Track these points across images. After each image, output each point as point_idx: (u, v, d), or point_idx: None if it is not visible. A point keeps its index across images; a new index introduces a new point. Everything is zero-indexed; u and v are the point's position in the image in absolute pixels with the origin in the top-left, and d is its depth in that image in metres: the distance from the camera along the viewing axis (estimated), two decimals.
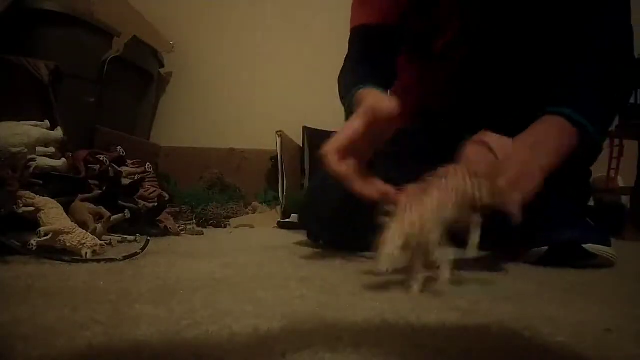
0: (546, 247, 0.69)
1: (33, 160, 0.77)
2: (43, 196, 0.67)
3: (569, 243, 0.67)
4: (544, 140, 0.60)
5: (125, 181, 0.97)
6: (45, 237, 0.60)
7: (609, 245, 0.69)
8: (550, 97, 0.64)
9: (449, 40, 0.82)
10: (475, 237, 0.46)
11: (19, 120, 0.84)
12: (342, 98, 0.80)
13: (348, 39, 0.88)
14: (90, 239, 0.64)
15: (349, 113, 0.73)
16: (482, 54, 0.80)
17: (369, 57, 0.85)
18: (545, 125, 0.62)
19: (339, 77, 0.87)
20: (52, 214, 0.64)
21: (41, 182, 0.74)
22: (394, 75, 0.89)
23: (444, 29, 0.83)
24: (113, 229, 0.84)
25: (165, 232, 1.06)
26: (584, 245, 0.67)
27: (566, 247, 0.67)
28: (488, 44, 0.79)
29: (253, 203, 1.81)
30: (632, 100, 1.69)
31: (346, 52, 0.89)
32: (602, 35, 0.68)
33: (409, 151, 0.87)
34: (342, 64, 0.89)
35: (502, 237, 0.81)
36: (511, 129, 0.59)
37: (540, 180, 0.55)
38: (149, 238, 0.73)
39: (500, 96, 0.76)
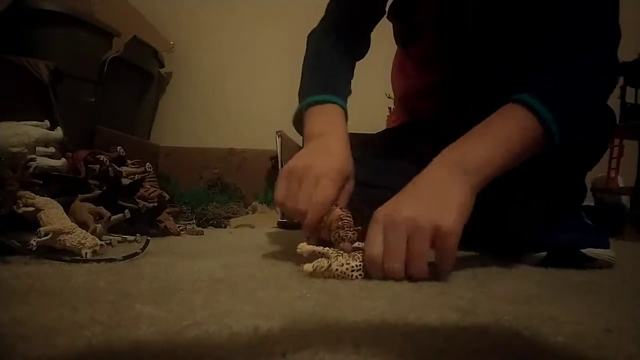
0: (545, 252, 0.69)
1: (33, 160, 0.77)
2: (43, 196, 0.67)
3: (568, 247, 0.67)
4: (484, 137, 0.56)
5: (125, 181, 0.97)
6: (45, 237, 0.60)
7: (607, 247, 0.69)
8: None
9: (428, 49, 0.82)
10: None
11: (19, 120, 0.84)
12: (301, 88, 0.77)
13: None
14: (90, 239, 0.64)
15: (298, 116, 0.75)
16: (460, 65, 0.79)
17: (342, 33, 0.83)
18: (493, 117, 0.58)
19: (308, 43, 0.86)
20: (52, 214, 0.64)
21: (41, 182, 0.74)
22: (363, 49, 0.88)
23: (420, 34, 0.83)
24: (113, 229, 0.84)
25: (165, 232, 1.06)
26: (582, 250, 0.67)
27: (565, 251, 0.67)
28: (465, 56, 0.78)
29: (253, 203, 1.81)
30: (632, 100, 1.69)
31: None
32: (583, 36, 0.63)
33: (395, 152, 0.87)
34: (317, 25, 0.87)
35: (498, 240, 0.82)
36: None
37: (459, 204, 0.52)
38: (149, 238, 0.73)
39: (482, 109, 0.76)
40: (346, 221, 0.58)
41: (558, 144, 0.57)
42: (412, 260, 0.51)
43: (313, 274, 0.54)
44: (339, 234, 0.57)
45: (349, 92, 0.79)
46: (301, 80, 0.79)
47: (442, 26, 0.79)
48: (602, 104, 0.69)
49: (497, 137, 0.56)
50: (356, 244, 0.58)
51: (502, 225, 0.77)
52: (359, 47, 0.87)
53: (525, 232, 0.73)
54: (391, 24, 0.90)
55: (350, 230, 0.57)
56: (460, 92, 0.82)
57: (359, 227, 0.59)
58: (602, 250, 0.68)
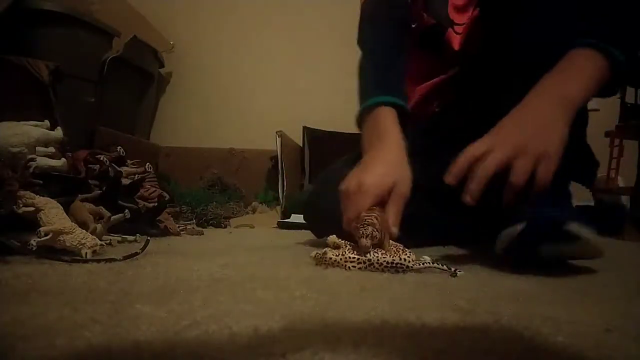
0: (522, 225, 0.60)
1: (33, 160, 0.77)
2: (43, 196, 0.67)
3: (548, 219, 0.59)
4: (572, 75, 0.62)
5: (125, 181, 0.97)
6: (45, 237, 0.60)
7: (594, 231, 0.59)
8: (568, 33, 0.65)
9: (440, 49, 0.83)
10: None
11: (19, 120, 0.84)
12: (359, 90, 0.80)
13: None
14: (90, 239, 0.64)
15: (358, 121, 0.78)
16: (472, 62, 0.79)
17: (390, 24, 0.85)
18: (573, 59, 0.63)
19: (359, 40, 0.87)
20: (52, 214, 0.64)
21: (41, 182, 0.74)
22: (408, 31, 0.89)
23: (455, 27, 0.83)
24: (113, 229, 0.84)
25: (165, 232, 1.06)
26: (565, 226, 0.57)
27: (544, 224, 0.60)
28: (477, 53, 0.78)
29: (253, 203, 1.81)
30: (632, 101, 1.69)
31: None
32: None
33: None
34: (360, 16, 0.88)
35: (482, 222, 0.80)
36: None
37: (562, 135, 0.58)
38: (149, 238, 0.72)
39: (492, 102, 0.74)
40: (365, 220, 0.59)
41: (625, 70, 0.64)
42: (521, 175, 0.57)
43: (316, 260, 0.59)
44: (358, 232, 0.59)
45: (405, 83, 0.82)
46: (359, 83, 0.82)
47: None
48: None
49: (583, 76, 0.62)
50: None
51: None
52: (405, 30, 0.88)
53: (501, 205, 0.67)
54: None
55: (366, 229, 0.58)
56: (470, 87, 0.82)
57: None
58: (589, 231, 0.58)
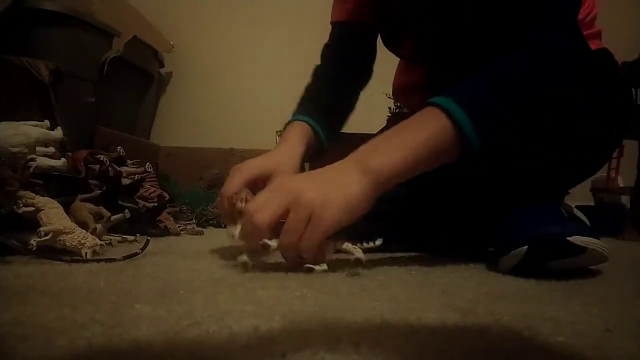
0: (525, 247, 0.58)
1: (33, 160, 0.77)
2: (43, 196, 0.67)
3: (552, 237, 0.57)
4: (390, 142, 0.56)
5: (125, 181, 0.97)
6: (45, 237, 0.60)
7: (597, 238, 0.59)
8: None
9: (410, 49, 0.83)
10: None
11: (19, 120, 0.84)
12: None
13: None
14: (90, 239, 0.64)
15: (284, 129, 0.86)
16: (440, 64, 0.76)
17: (337, 64, 0.95)
18: (408, 120, 0.57)
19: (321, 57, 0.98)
20: (52, 214, 0.64)
21: (41, 182, 0.74)
22: (367, 74, 0.97)
23: (403, 36, 0.83)
24: (113, 229, 0.84)
25: (165, 232, 1.06)
26: (569, 239, 0.56)
27: (549, 242, 0.57)
28: (445, 55, 0.75)
29: None
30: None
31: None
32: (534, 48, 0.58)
33: None
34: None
35: (466, 240, 0.81)
36: None
37: (351, 197, 0.53)
38: (149, 238, 0.72)
39: None
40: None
41: (478, 148, 0.55)
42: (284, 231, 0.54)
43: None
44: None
45: (334, 113, 0.90)
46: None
47: (420, 28, 0.76)
48: (550, 103, 0.61)
49: (404, 142, 0.55)
50: None
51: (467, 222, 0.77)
52: (361, 75, 0.97)
53: (494, 228, 0.66)
54: None
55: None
56: (442, 88, 0.80)
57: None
58: (593, 239, 0.58)
